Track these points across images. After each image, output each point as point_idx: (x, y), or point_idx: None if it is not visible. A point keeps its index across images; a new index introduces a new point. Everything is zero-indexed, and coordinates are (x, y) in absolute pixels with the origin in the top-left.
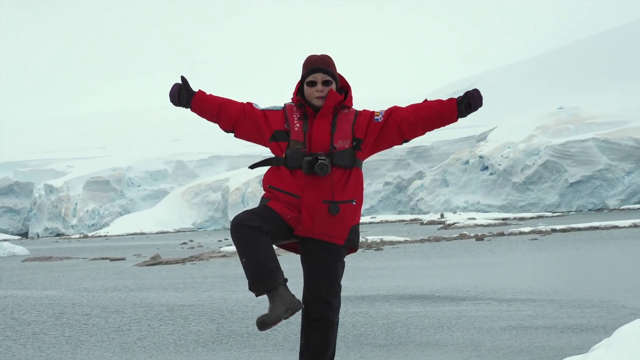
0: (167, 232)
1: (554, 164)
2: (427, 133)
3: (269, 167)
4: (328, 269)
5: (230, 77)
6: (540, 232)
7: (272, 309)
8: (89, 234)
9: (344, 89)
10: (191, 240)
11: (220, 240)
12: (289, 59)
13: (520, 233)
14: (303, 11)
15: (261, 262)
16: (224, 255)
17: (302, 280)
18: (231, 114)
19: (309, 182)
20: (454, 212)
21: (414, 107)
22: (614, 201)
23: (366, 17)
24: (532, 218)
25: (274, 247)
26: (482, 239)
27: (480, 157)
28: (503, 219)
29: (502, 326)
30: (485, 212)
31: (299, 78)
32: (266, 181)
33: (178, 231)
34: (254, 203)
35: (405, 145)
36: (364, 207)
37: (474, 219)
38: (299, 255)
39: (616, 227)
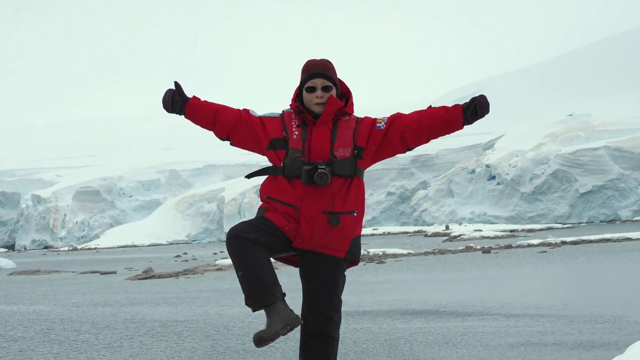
0: (160, 245)
1: (564, 174)
2: (432, 141)
3: (266, 176)
4: (328, 283)
5: (226, 82)
6: (549, 244)
7: (269, 325)
8: (79, 247)
9: (345, 95)
10: (185, 253)
11: (215, 253)
12: (287, 63)
13: (529, 245)
14: (302, 14)
15: (258, 276)
16: (219, 269)
17: (301, 295)
18: (227, 121)
19: (308, 192)
20: (460, 224)
21: (417, 114)
22: (626, 212)
23: (368, 20)
24: (541, 230)
25: (272, 260)
26: (489, 252)
27: (487, 166)
28: (511, 231)
29: (509, 343)
30: (492, 223)
31: (297, 83)
32: (263, 191)
33: (171, 243)
34: (250, 214)
35: (408, 153)
36: (366, 218)
37: (481, 230)
38: (297, 269)
39: (629, 239)
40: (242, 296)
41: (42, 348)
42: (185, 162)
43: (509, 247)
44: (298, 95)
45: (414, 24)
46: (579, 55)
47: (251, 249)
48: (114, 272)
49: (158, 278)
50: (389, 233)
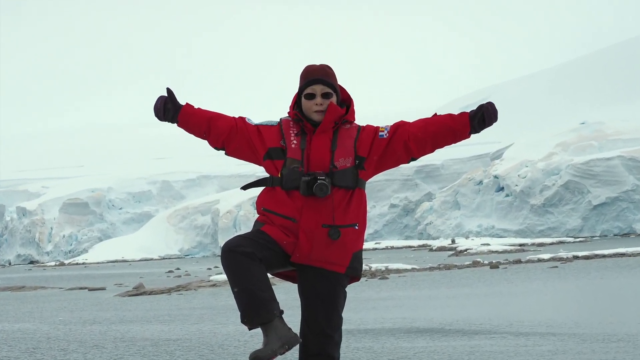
0: (151, 259)
1: (576, 185)
2: (437, 150)
3: (263, 188)
4: (328, 300)
5: (221, 89)
6: (561, 259)
7: (266, 344)
8: (66, 262)
9: (346, 102)
10: (178, 268)
11: (209, 268)
12: (285, 69)
13: (539, 260)
14: (301, 16)
15: (255, 292)
16: (213, 285)
17: (300, 312)
18: (221, 130)
19: (307, 204)
20: (466, 238)
21: (422, 122)
22: None
23: (370, 24)
24: (552, 244)
25: (269, 275)
26: (497, 267)
27: (495, 177)
28: (520, 245)
29: None
30: (501, 237)
31: (296, 90)
32: (260, 203)
33: (163, 258)
34: (246, 227)
35: (412, 164)
36: (368, 231)
37: (488, 244)
38: (296, 285)
39: None
40: (238, 313)
41: None
42: (178, 173)
43: (518, 262)
44: (296, 102)
45: (418, 27)
46: (591, 61)
47: (247, 263)
48: (103, 289)
49: (149, 294)
50: (392, 247)
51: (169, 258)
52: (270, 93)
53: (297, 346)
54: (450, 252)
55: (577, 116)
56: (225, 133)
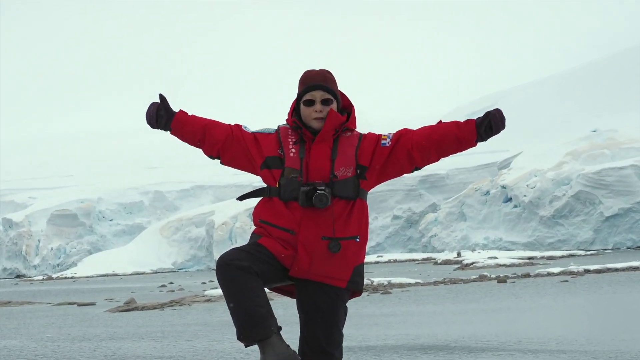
0: (143, 273)
1: (587, 195)
2: (442, 159)
3: (260, 198)
4: (328, 316)
5: (216, 95)
6: (571, 273)
7: None
8: (54, 275)
9: (347, 109)
10: (171, 283)
11: (204, 283)
12: (283, 74)
13: (549, 274)
14: (300, 20)
15: (251, 308)
16: (208, 300)
17: (298, 329)
18: (217, 138)
19: (306, 215)
20: (473, 250)
21: (426, 130)
22: None
23: (372, 28)
24: (562, 257)
25: (266, 290)
26: (505, 281)
27: (503, 187)
28: (529, 258)
29: None
30: (509, 250)
31: (294, 96)
32: (257, 215)
33: (156, 272)
34: (242, 240)
35: (416, 173)
36: (370, 244)
37: (496, 258)
38: (294, 300)
39: None
40: (234, 330)
41: None
42: (171, 183)
43: (527, 276)
44: (295, 109)
45: (421, 31)
46: (603, 65)
47: (243, 278)
48: (93, 304)
49: (141, 310)
50: (395, 260)
51: (162, 272)
52: (267, 99)
53: None
54: (456, 266)
55: (588, 123)
56: (220, 141)
